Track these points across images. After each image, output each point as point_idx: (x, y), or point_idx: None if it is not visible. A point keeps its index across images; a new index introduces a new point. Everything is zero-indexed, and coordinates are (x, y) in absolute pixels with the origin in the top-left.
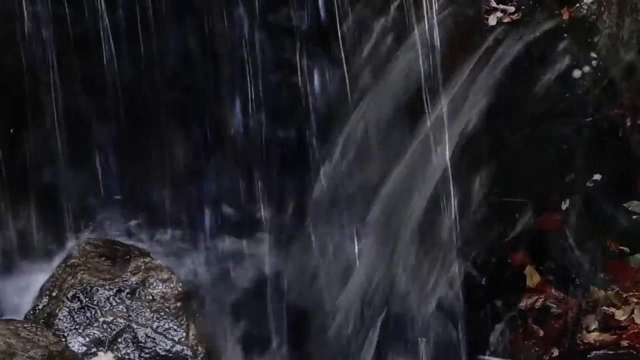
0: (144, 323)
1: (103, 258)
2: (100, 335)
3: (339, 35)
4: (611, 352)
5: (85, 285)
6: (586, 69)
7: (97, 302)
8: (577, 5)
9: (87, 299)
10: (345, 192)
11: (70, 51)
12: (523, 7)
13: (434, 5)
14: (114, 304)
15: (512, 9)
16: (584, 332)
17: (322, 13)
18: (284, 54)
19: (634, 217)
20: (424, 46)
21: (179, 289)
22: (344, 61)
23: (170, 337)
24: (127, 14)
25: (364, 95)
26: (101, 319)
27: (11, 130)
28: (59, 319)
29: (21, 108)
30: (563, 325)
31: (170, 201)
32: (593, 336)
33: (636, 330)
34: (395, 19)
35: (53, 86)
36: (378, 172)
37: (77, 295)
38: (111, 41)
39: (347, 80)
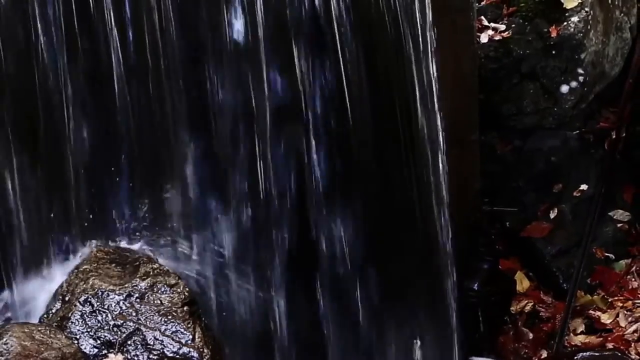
0: (153, 326)
1: (113, 264)
2: (111, 338)
3: None
4: (597, 354)
5: (96, 290)
6: (573, 84)
7: (108, 306)
8: (565, 23)
9: (98, 303)
10: None
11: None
12: (513, 26)
13: None
14: (124, 308)
15: (502, 27)
16: (571, 334)
17: None
18: None
19: (619, 225)
20: None
21: (186, 293)
22: None
23: (177, 339)
24: None
25: None
26: (112, 323)
27: None
28: (72, 322)
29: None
30: (551, 328)
31: None
32: (580, 338)
33: (621, 333)
34: None
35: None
36: None
37: (89, 299)
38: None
39: None
